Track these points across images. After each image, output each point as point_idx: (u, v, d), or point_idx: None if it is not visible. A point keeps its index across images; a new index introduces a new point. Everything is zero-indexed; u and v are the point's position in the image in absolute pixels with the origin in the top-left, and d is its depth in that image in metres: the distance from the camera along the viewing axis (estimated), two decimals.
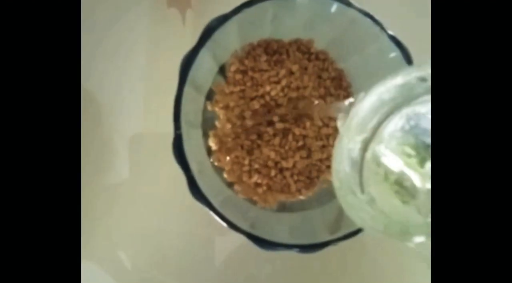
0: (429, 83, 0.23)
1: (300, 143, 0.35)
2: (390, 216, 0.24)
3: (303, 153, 0.35)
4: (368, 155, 0.24)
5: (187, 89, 0.29)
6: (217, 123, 0.34)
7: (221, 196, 0.32)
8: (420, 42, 0.30)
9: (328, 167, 0.35)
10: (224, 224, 0.30)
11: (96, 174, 0.37)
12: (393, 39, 0.30)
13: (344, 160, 0.25)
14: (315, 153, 0.35)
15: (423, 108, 0.23)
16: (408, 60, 0.30)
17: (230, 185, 0.34)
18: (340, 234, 0.31)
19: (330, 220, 0.34)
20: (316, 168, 0.36)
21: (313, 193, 0.36)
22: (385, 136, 0.24)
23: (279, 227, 0.33)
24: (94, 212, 0.36)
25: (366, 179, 0.25)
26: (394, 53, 0.31)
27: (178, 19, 0.38)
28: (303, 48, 0.35)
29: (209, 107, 0.34)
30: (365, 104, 0.24)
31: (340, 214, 0.33)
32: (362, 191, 0.25)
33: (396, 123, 0.24)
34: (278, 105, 0.34)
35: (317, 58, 0.35)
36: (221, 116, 0.34)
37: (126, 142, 0.37)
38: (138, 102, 0.37)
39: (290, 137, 0.34)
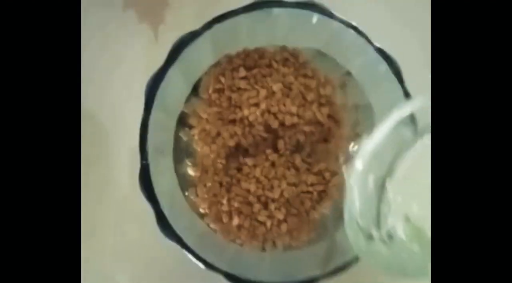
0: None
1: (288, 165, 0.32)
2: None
3: (291, 178, 0.32)
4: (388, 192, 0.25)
5: (155, 113, 0.28)
6: (197, 148, 0.32)
7: (196, 232, 0.30)
8: (409, 54, 0.29)
9: (323, 193, 0.32)
10: (200, 265, 0.28)
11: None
12: (380, 51, 0.29)
13: (358, 200, 0.25)
14: (306, 176, 0.32)
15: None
16: (397, 73, 0.29)
17: (203, 218, 0.32)
18: (331, 267, 0.29)
19: (320, 255, 0.32)
20: (309, 197, 0.32)
21: (309, 236, 0.32)
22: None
23: (263, 265, 0.31)
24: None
25: (384, 215, 0.25)
26: (383, 67, 0.29)
27: (150, 36, 0.35)
28: (291, 59, 0.33)
29: (184, 137, 0.32)
30: (375, 143, 0.25)
31: (332, 248, 0.31)
32: (379, 228, 0.25)
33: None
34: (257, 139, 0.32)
35: (305, 75, 0.33)
36: (200, 143, 0.32)
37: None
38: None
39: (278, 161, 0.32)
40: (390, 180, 0.26)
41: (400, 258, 0.24)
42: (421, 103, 0.25)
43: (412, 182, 0.26)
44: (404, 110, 0.25)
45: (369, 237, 0.25)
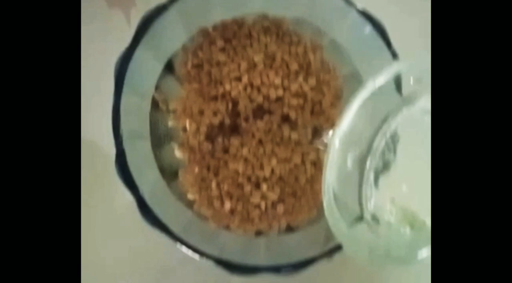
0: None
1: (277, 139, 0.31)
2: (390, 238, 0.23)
3: (283, 153, 0.31)
4: (368, 172, 0.24)
5: (127, 96, 0.27)
6: (180, 128, 0.31)
7: (182, 220, 0.29)
8: (395, 15, 0.29)
9: (318, 166, 0.31)
10: (189, 252, 0.27)
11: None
12: (363, 14, 0.28)
13: (337, 177, 0.24)
14: (297, 149, 0.31)
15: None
16: (383, 35, 0.28)
17: (191, 206, 0.31)
18: (330, 245, 0.27)
19: (321, 235, 0.30)
20: (303, 171, 0.31)
21: (309, 215, 0.31)
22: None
23: (258, 250, 0.30)
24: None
25: (367, 198, 0.24)
26: (368, 29, 0.28)
27: (122, 20, 0.34)
28: (272, 28, 0.32)
29: (162, 119, 0.31)
30: (351, 120, 0.24)
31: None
32: (362, 210, 0.24)
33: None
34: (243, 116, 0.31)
35: (290, 43, 0.32)
36: (182, 122, 0.31)
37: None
38: None
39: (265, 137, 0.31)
40: (371, 159, 0.25)
41: (386, 242, 0.23)
42: (397, 68, 0.24)
43: (399, 159, 0.25)
44: (379, 77, 0.24)
45: (352, 221, 0.24)
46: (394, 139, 0.25)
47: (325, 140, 0.26)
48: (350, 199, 0.25)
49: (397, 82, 0.24)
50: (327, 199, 0.24)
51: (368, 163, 0.25)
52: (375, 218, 0.24)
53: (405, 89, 0.24)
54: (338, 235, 0.24)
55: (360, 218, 0.24)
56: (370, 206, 0.24)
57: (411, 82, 0.24)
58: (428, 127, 0.23)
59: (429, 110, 0.23)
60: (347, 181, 0.25)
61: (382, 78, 0.24)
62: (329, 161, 0.25)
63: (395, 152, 0.25)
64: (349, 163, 0.25)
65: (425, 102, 0.24)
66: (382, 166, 0.25)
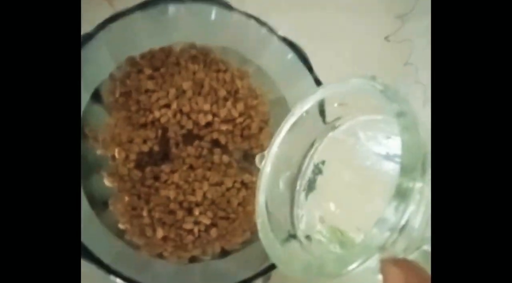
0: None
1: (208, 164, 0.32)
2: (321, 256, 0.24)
3: (214, 177, 0.31)
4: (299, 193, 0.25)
5: None
6: (108, 157, 0.31)
7: (113, 250, 0.29)
8: (317, 40, 0.30)
9: (250, 189, 0.32)
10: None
11: None
12: (285, 40, 0.30)
13: (270, 199, 0.25)
14: (228, 173, 0.32)
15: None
16: (305, 61, 0.30)
17: (122, 235, 0.31)
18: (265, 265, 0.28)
19: (256, 256, 0.31)
20: (235, 194, 0.32)
21: (243, 237, 0.32)
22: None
23: (192, 277, 0.30)
24: None
25: (298, 218, 0.25)
26: (289, 55, 0.30)
27: None
28: (200, 56, 0.33)
29: (91, 148, 0.31)
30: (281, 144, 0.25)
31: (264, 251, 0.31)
32: (294, 229, 0.25)
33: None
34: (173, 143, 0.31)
35: (217, 70, 0.33)
36: (110, 151, 0.31)
37: None
38: None
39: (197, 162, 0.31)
40: (300, 180, 0.26)
41: (318, 259, 0.24)
42: (320, 96, 0.25)
43: (326, 180, 0.26)
44: (305, 103, 0.25)
45: (285, 240, 0.25)
46: (320, 161, 0.26)
47: (257, 164, 0.27)
48: (283, 219, 0.26)
49: (321, 107, 0.26)
50: (260, 220, 0.25)
51: (298, 184, 0.26)
52: (307, 237, 0.25)
53: (329, 113, 0.26)
54: (272, 255, 0.25)
55: (293, 236, 0.25)
56: (302, 225, 0.25)
57: (336, 106, 0.25)
58: (352, 148, 0.25)
59: (354, 133, 0.25)
60: (280, 202, 0.26)
61: (308, 104, 0.25)
62: (262, 183, 0.26)
63: (321, 173, 0.26)
64: (281, 184, 0.26)
65: (348, 125, 0.26)
66: (310, 187, 0.26)
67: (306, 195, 0.26)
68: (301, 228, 0.25)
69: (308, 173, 0.26)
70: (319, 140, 0.26)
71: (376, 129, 0.25)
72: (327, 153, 0.26)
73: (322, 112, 0.26)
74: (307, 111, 0.25)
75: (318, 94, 0.25)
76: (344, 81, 0.24)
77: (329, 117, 0.26)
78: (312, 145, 0.26)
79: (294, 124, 0.25)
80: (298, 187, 0.26)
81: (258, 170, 0.32)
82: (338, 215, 0.25)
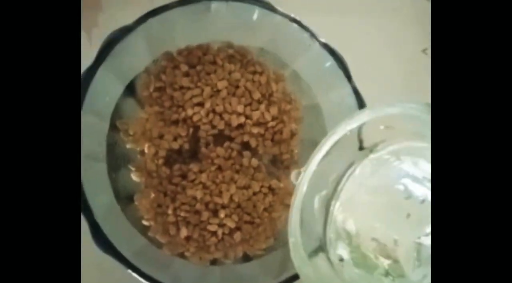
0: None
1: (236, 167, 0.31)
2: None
3: (242, 180, 0.31)
4: (333, 214, 0.25)
5: (86, 116, 0.27)
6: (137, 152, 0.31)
7: (135, 246, 0.29)
8: (355, 49, 0.29)
9: (276, 195, 0.32)
10: (141, 279, 0.27)
11: None
12: (326, 47, 0.29)
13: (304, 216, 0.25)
14: (257, 174, 0.31)
15: None
16: (344, 69, 0.29)
17: (145, 232, 0.31)
18: (284, 277, 0.28)
19: (276, 265, 0.31)
20: (262, 199, 0.31)
21: (266, 244, 0.32)
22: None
23: (212, 280, 0.30)
24: None
25: (332, 237, 0.24)
26: (329, 63, 0.30)
27: (83, 39, 0.34)
28: (237, 56, 0.33)
29: (121, 141, 0.31)
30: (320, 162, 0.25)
31: (287, 256, 0.29)
32: (325, 249, 0.25)
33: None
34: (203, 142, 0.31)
35: (253, 72, 0.33)
36: (140, 146, 0.31)
37: None
38: None
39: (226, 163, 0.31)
40: (335, 202, 0.25)
41: (343, 278, 0.24)
42: (367, 117, 0.25)
43: (359, 204, 0.26)
44: (350, 122, 0.25)
45: (314, 258, 0.25)
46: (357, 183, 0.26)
47: (292, 181, 0.26)
48: (314, 238, 0.25)
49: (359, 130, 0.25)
50: (293, 240, 0.25)
51: (332, 204, 0.25)
52: (340, 259, 0.25)
53: (373, 135, 0.25)
54: (302, 274, 0.25)
55: (323, 256, 0.25)
56: (334, 245, 0.25)
57: (382, 128, 0.25)
58: (393, 168, 0.24)
59: (397, 156, 0.25)
60: (313, 221, 0.26)
61: (353, 124, 0.25)
62: (297, 201, 0.25)
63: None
64: (316, 203, 0.26)
65: (392, 149, 0.25)
66: (344, 207, 0.25)
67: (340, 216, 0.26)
68: (332, 246, 0.25)
69: (341, 197, 0.26)
70: (358, 161, 0.25)
71: (420, 155, 0.24)
72: (365, 174, 0.26)
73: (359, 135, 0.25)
74: (350, 131, 0.25)
75: (364, 114, 0.25)
76: (395, 105, 0.23)
77: (372, 139, 0.25)
78: (350, 165, 0.25)
79: (336, 143, 0.25)
80: (332, 207, 0.25)
81: (286, 175, 0.32)
82: (370, 237, 0.24)
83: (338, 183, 0.25)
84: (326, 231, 0.25)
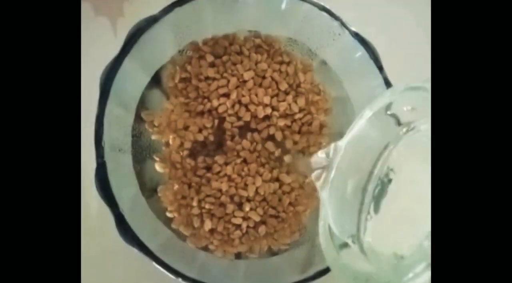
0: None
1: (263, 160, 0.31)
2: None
3: (267, 173, 0.31)
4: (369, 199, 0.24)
5: (111, 106, 0.27)
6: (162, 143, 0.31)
7: (160, 238, 0.29)
8: (388, 39, 0.29)
9: (302, 189, 0.31)
10: (166, 272, 0.27)
11: None
12: (357, 36, 0.28)
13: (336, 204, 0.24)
14: (283, 168, 0.31)
15: None
16: (376, 60, 0.28)
17: (169, 224, 0.31)
18: (310, 273, 0.28)
19: (300, 260, 0.31)
20: (288, 193, 0.31)
21: (291, 238, 0.31)
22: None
23: (237, 273, 0.30)
24: None
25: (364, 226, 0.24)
26: (359, 53, 0.29)
27: (108, 29, 0.33)
28: (264, 46, 0.32)
29: (146, 131, 0.31)
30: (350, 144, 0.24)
31: (313, 251, 0.30)
32: (359, 239, 0.24)
33: None
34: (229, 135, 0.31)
35: (280, 62, 0.32)
36: (165, 137, 0.31)
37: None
38: None
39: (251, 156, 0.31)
40: (372, 185, 0.24)
41: (372, 269, 0.23)
42: (399, 93, 0.24)
43: (400, 184, 0.25)
44: (379, 102, 0.24)
45: (343, 246, 0.24)
46: (396, 165, 0.25)
47: (319, 165, 0.26)
48: (348, 224, 0.25)
49: (390, 109, 0.24)
50: (322, 223, 0.25)
51: (369, 188, 0.25)
52: (368, 245, 0.24)
53: (402, 117, 0.24)
54: (329, 259, 0.24)
55: (353, 242, 0.24)
56: (366, 233, 0.24)
57: (406, 110, 0.24)
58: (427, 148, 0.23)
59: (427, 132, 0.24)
60: (346, 207, 0.25)
61: (376, 106, 0.24)
62: (327, 186, 0.25)
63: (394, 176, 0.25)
64: (349, 188, 0.25)
65: (423, 127, 0.24)
66: (381, 192, 0.25)
67: (377, 201, 0.25)
68: (365, 235, 0.24)
69: (381, 176, 0.25)
70: (394, 143, 0.24)
71: None
72: (403, 156, 0.25)
73: (394, 114, 0.24)
74: (378, 113, 0.24)
75: (387, 96, 0.24)
76: (414, 86, 0.23)
77: (402, 121, 0.24)
78: (385, 148, 0.24)
79: (365, 125, 0.24)
80: (367, 194, 0.24)
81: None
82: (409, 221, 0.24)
83: (374, 167, 0.24)
84: (361, 217, 0.24)
